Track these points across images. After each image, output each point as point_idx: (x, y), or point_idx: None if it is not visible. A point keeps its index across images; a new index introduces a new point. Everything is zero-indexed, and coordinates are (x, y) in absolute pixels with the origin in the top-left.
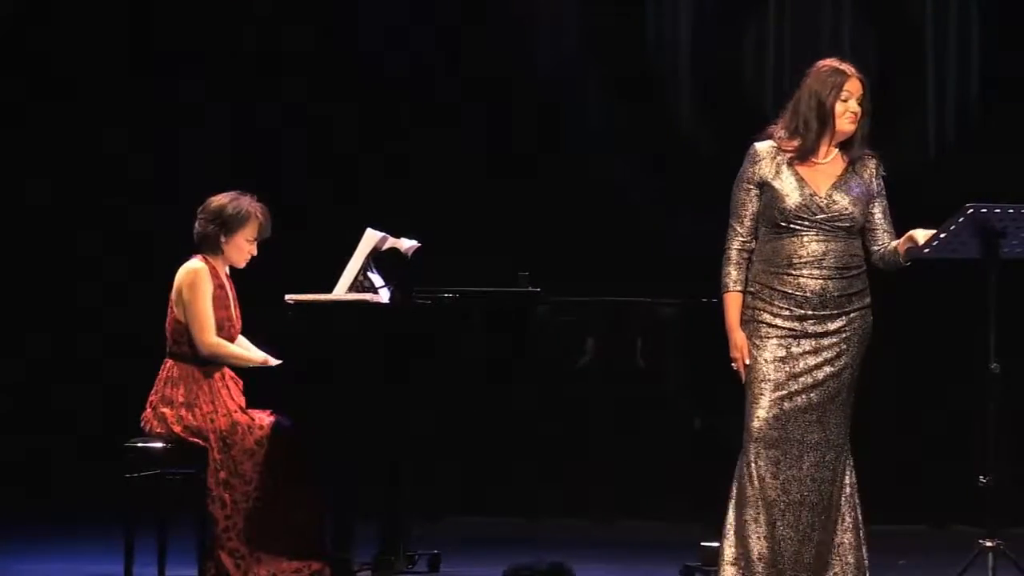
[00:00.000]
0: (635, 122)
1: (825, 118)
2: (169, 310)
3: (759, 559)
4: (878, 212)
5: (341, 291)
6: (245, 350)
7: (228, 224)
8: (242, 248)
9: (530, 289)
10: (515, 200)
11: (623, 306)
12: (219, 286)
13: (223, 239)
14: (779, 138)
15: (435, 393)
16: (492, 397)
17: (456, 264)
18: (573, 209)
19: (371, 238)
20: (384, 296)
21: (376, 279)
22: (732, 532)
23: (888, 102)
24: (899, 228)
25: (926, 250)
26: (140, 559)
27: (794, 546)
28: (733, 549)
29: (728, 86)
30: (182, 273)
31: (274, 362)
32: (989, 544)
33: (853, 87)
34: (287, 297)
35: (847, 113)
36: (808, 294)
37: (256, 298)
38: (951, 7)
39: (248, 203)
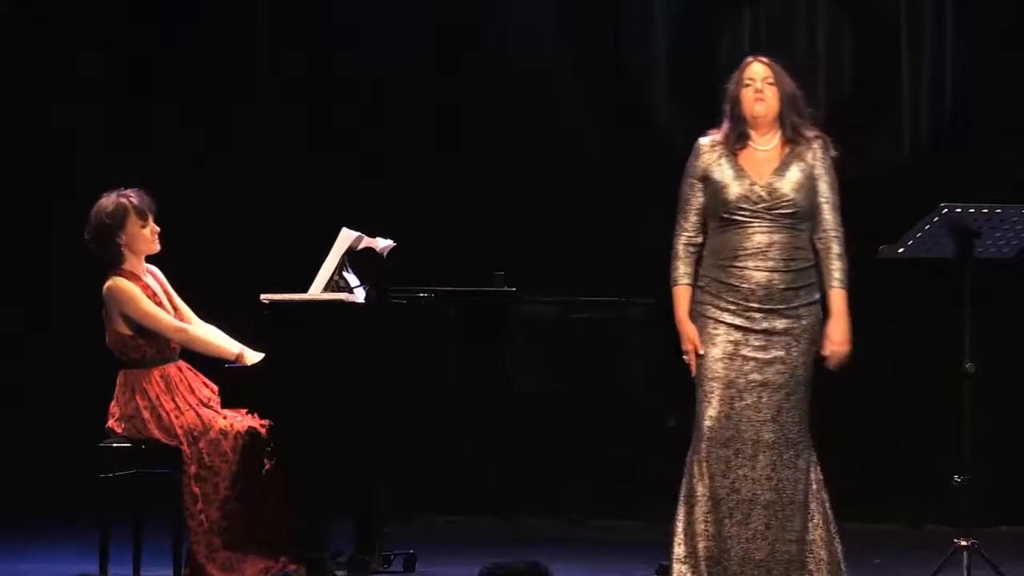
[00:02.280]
0: (610, 122)
1: (735, 107)
2: (106, 326)
3: (707, 558)
4: (823, 191)
5: (316, 291)
6: (217, 338)
7: (111, 229)
8: (140, 237)
9: (505, 288)
10: (490, 200)
11: (599, 305)
12: (143, 287)
13: (119, 243)
14: (719, 132)
15: (410, 393)
16: (467, 396)
17: (431, 264)
18: (548, 209)
19: (346, 237)
20: (359, 296)
21: (351, 279)
22: (681, 530)
23: (863, 102)
24: (876, 226)
25: (900, 248)
26: (115, 559)
27: (742, 544)
28: (683, 547)
29: (703, 86)
30: (106, 294)
31: (251, 357)
32: (964, 543)
33: (754, 71)
34: (263, 296)
35: (750, 95)
36: (753, 286)
37: (231, 297)
38: (926, 6)
39: (114, 199)
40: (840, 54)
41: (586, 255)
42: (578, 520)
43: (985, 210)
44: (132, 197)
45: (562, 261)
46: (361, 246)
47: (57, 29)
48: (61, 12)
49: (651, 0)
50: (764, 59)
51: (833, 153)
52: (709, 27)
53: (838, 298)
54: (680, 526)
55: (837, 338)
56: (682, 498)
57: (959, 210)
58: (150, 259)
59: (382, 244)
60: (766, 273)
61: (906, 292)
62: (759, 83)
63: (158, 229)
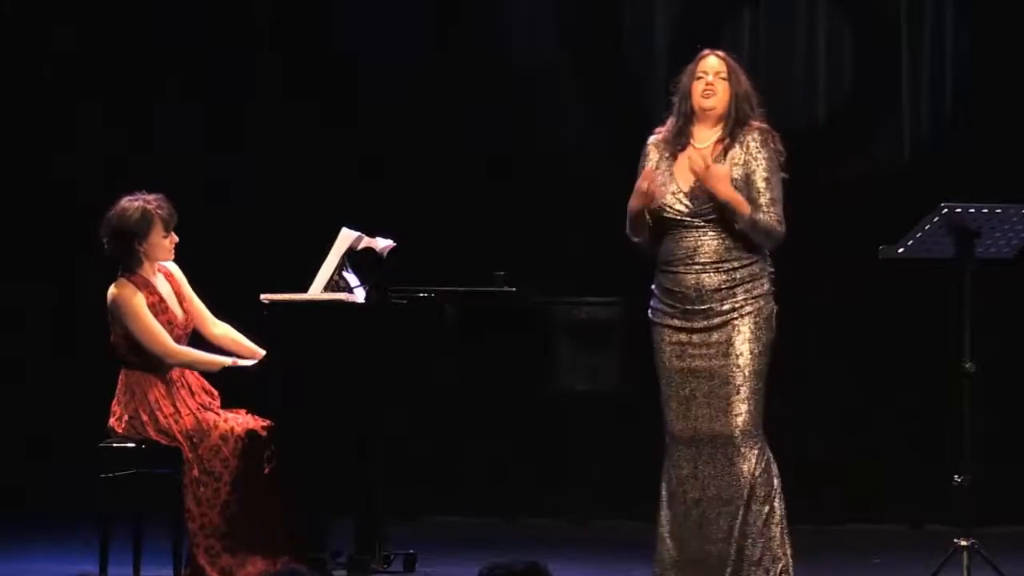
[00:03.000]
0: (610, 122)
1: (684, 102)
2: (111, 326)
3: (683, 557)
4: (758, 186)
5: (316, 291)
6: (209, 354)
7: (133, 235)
8: (161, 247)
9: (505, 288)
10: (490, 200)
11: (598, 305)
12: (151, 293)
13: (139, 248)
14: (665, 131)
15: (410, 393)
16: (467, 396)
17: (431, 264)
18: (548, 209)
19: (346, 237)
20: (359, 296)
21: (351, 279)
22: (662, 532)
23: (863, 102)
24: (877, 228)
25: (900, 248)
26: (115, 559)
27: (720, 545)
28: (663, 547)
29: None
30: (109, 300)
31: (246, 361)
32: (964, 543)
33: (708, 64)
34: (262, 296)
35: (701, 88)
36: (684, 290)
37: (231, 297)
38: (926, 6)
39: (142, 204)
40: (840, 54)
41: (586, 255)
42: (579, 520)
43: (985, 210)
44: (156, 206)
45: (562, 261)
46: (361, 246)
47: (57, 29)
48: (61, 12)
49: (651, 0)
50: (720, 53)
51: (775, 147)
52: (709, 27)
53: (744, 202)
54: (660, 529)
55: (716, 171)
56: (663, 501)
57: (959, 210)
58: None
59: (382, 244)
60: (694, 276)
61: (906, 292)
62: (711, 76)
63: (177, 239)
